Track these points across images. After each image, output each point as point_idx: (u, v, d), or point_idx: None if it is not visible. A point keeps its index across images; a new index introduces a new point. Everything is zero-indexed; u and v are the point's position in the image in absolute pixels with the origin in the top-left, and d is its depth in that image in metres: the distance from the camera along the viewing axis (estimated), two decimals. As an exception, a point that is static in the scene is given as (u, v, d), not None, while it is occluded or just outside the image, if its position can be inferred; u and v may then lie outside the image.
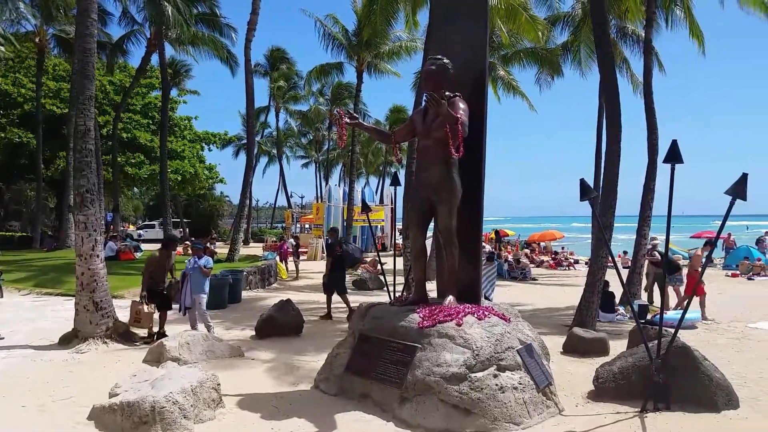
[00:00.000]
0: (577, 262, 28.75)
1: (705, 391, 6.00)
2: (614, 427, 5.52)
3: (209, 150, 42.26)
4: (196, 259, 9.64)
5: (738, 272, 23.26)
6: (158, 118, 29.62)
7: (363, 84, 28.37)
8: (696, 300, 11.79)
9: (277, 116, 50.60)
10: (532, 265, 26.09)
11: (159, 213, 35.89)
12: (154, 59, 28.75)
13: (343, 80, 38.59)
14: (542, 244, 36.59)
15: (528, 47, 23.93)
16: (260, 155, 56.86)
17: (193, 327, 9.44)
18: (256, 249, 30.01)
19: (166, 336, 8.69)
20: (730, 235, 29.60)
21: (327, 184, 48.89)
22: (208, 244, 16.36)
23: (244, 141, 43.83)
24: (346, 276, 12.86)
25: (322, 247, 30.26)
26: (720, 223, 6.12)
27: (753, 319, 12.03)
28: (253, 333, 9.89)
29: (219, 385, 5.97)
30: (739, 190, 5.66)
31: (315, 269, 23.04)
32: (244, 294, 15.05)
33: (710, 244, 14.32)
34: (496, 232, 35.44)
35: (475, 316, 6.06)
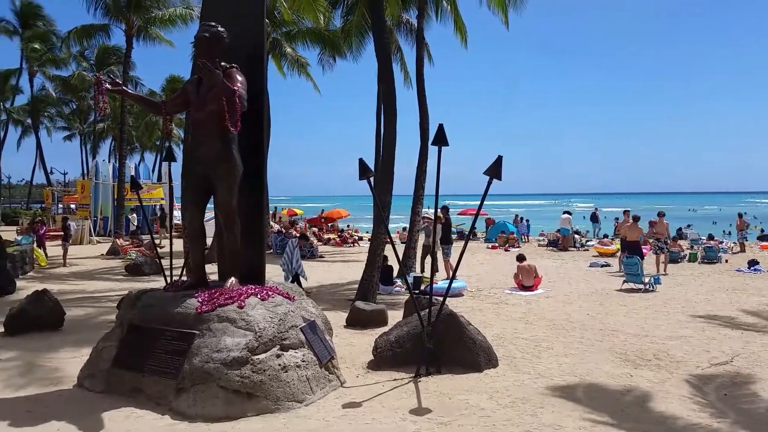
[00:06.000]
0: (361, 239, 30.04)
1: (469, 353, 6.65)
2: (391, 393, 5.82)
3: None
4: None
5: (497, 245, 26.47)
6: None
7: (134, 50, 26.02)
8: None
9: (31, 81, 44.01)
10: (320, 243, 26.64)
11: None
12: None
13: (111, 44, 34.99)
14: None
15: (310, 27, 23.92)
16: (11, 125, 49.16)
17: None
18: (8, 233, 25.86)
19: None
20: (486, 213, 33.63)
21: (94, 159, 44.39)
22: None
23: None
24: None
25: (90, 230, 27.56)
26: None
27: (508, 285, 13.72)
28: (2, 329, 8.51)
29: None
30: (495, 171, 6.31)
31: (81, 254, 20.77)
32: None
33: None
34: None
35: (259, 297, 5.90)
